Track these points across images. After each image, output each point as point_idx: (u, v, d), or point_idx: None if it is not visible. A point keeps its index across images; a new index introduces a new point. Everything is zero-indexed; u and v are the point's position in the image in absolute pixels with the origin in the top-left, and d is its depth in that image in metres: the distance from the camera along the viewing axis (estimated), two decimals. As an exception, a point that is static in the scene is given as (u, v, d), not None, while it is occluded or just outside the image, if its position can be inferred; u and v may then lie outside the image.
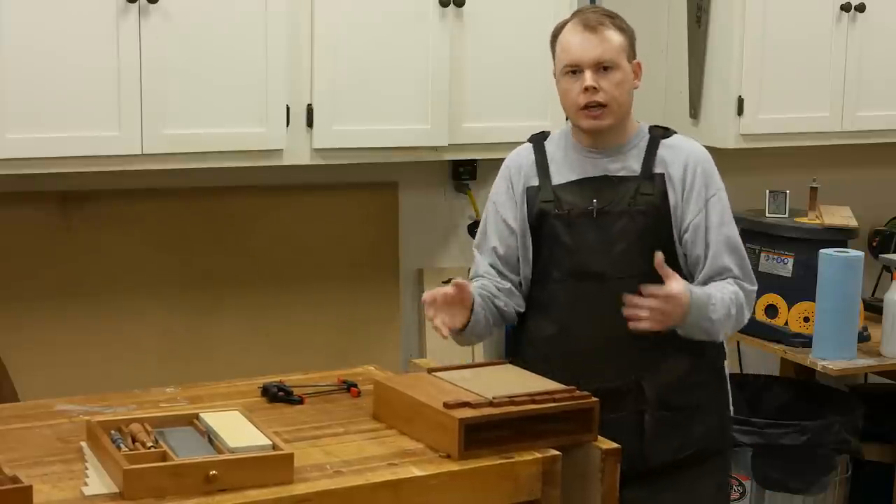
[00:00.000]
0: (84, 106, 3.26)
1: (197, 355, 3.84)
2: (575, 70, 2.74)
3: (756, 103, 4.15)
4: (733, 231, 2.81)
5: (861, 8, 4.26)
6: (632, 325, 2.63)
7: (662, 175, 2.77)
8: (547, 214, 2.80)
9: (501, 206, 2.89)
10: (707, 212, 2.76)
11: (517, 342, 2.94)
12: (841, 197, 4.23)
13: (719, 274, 2.77)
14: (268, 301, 3.95)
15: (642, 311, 2.61)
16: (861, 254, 3.68)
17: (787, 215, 4.00)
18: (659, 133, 2.84)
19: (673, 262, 2.74)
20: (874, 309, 4.01)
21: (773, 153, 4.37)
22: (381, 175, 4.08)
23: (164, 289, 3.81)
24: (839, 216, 3.97)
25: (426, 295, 2.71)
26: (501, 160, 4.24)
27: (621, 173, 2.78)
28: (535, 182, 2.84)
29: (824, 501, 3.98)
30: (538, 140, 2.93)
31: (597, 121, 2.75)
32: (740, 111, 4.13)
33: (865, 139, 4.44)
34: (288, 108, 3.51)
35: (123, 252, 3.75)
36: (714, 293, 2.70)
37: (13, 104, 3.19)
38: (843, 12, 4.24)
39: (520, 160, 2.91)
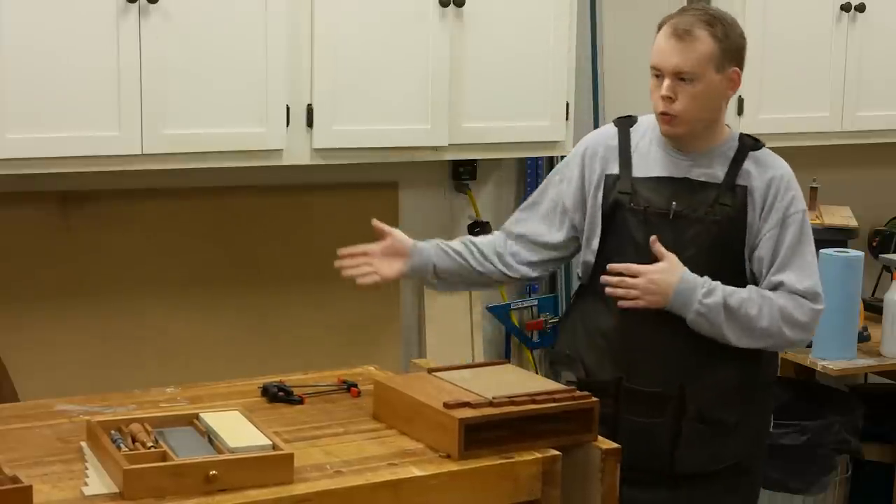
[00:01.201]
0: (84, 106, 3.26)
1: (197, 355, 3.84)
2: (658, 74, 2.68)
3: (756, 103, 4.15)
4: (807, 252, 2.74)
5: (861, 8, 4.26)
6: (620, 304, 2.66)
7: (745, 188, 2.72)
8: (621, 206, 2.76)
9: (567, 183, 2.85)
10: (782, 229, 2.71)
11: (571, 326, 2.91)
12: (841, 197, 4.24)
13: (773, 288, 2.71)
14: (268, 301, 3.95)
15: (617, 290, 2.64)
16: (861, 254, 3.69)
17: (787, 215, 3.99)
18: (749, 143, 2.78)
19: (739, 275, 2.72)
20: (874, 309, 4.01)
21: (773, 153, 4.37)
22: (381, 175, 4.08)
23: (164, 289, 3.81)
24: (839, 216, 3.98)
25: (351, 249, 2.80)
26: (502, 160, 4.29)
27: (703, 178, 2.73)
28: (615, 170, 2.79)
29: (824, 501, 3.98)
30: (624, 125, 2.85)
31: (668, 127, 2.70)
32: (740, 111, 4.13)
33: (865, 139, 4.44)
34: (288, 108, 3.51)
35: (123, 252, 3.75)
36: (728, 287, 2.67)
37: (13, 104, 3.18)
38: (843, 12, 4.24)
39: (599, 143, 2.84)
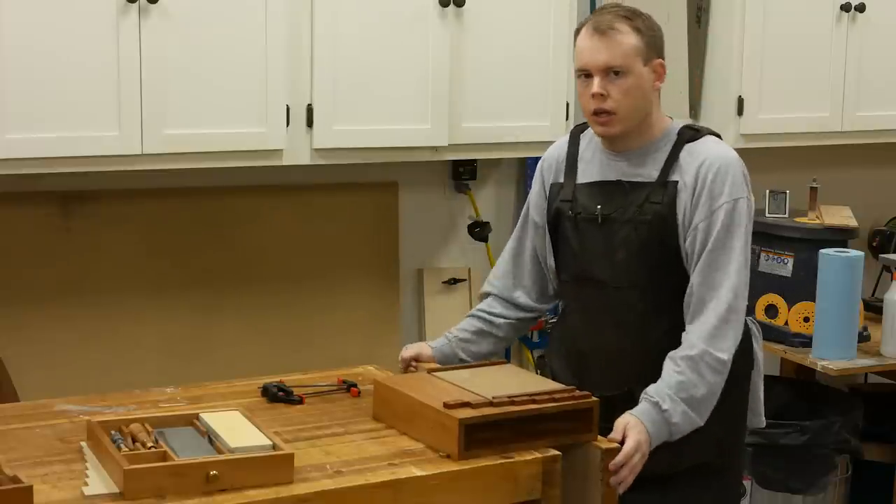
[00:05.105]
0: (84, 106, 3.26)
1: (197, 355, 3.84)
2: (586, 74, 2.66)
3: (756, 103, 4.15)
4: (732, 252, 2.61)
5: (861, 8, 4.26)
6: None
7: (676, 183, 2.65)
8: (562, 214, 2.76)
9: (532, 204, 2.87)
10: (710, 223, 2.61)
11: (552, 331, 2.98)
12: (841, 197, 4.23)
13: (696, 306, 2.61)
14: (268, 301, 3.95)
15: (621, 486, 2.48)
16: (861, 254, 3.68)
17: (787, 215, 4.00)
18: (687, 135, 2.70)
19: (678, 274, 2.65)
20: (874, 309, 4.01)
21: (773, 153, 4.37)
22: (381, 175, 4.08)
23: (164, 289, 3.81)
24: (839, 216, 3.97)
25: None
26: (502, 160, 4.29)
27: (636, 179, 2.69)
28: (562, 179, 2.80)
29: (824, 501, 3.98)
30: (576, 133, 2.85)
31: (605, 128, 2.66)
32: (740, 111, 4.13)
33: (865, 139, 4.44)
34: (288, 108, 3.51)
35: (123, 252, 3.75)
36: (658, 388, 2.55)
37: (13, 104, 3.18)
38: (843, 12, 4.24)
39: (553, 154, 2.87)
